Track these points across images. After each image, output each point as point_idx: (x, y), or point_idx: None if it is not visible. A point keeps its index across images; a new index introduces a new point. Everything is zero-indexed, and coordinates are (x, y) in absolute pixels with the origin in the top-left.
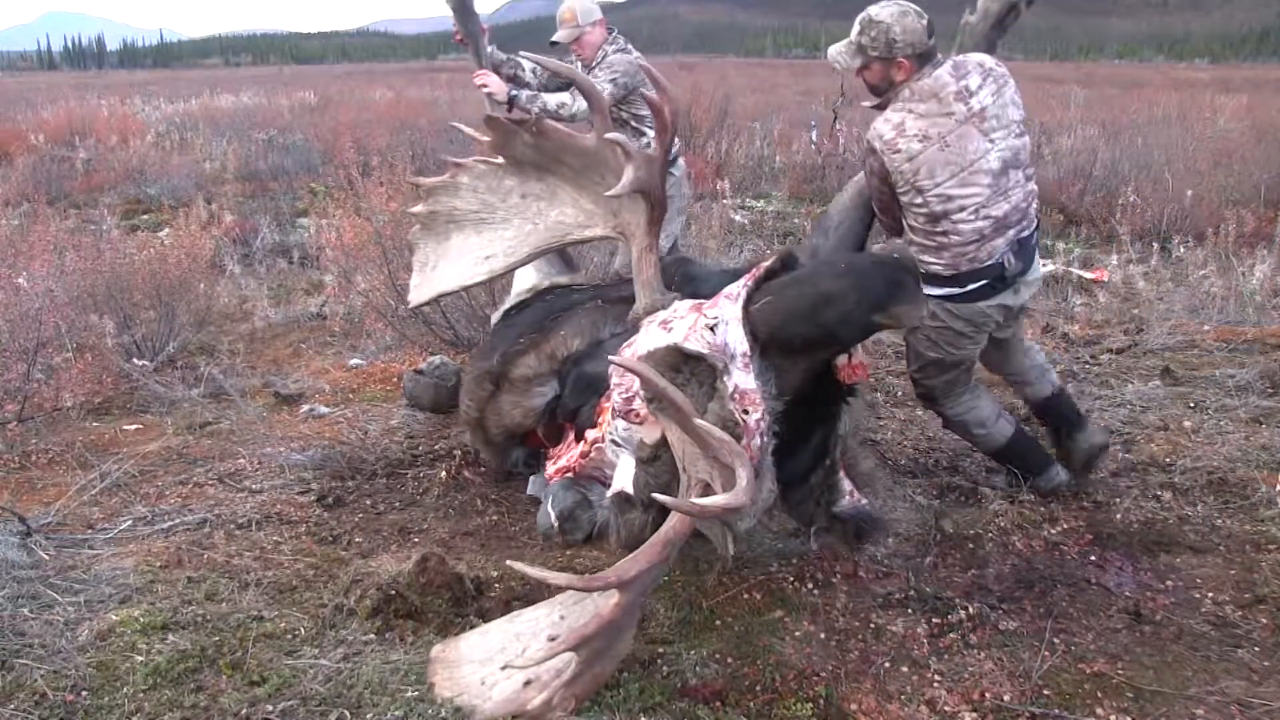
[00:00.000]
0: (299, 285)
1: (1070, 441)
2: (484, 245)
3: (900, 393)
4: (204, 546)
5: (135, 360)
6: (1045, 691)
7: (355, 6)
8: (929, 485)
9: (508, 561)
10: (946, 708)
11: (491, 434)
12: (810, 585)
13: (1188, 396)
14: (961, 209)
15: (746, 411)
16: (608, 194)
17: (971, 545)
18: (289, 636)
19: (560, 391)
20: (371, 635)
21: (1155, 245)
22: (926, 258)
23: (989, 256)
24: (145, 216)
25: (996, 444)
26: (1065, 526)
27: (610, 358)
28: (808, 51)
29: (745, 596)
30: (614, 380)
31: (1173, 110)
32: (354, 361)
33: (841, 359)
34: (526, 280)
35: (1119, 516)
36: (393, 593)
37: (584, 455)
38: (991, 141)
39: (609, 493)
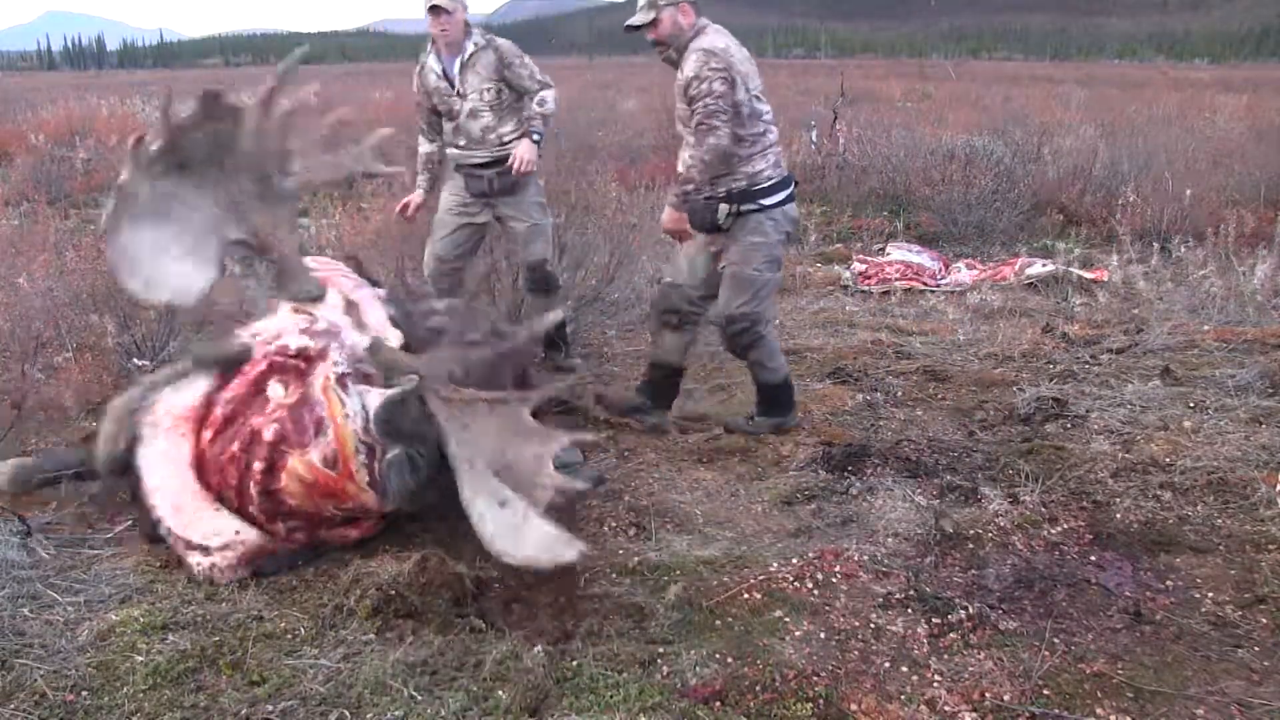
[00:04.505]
0: None
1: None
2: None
3: (900, 393)
4: None
5: (135, 360)
6: (1045, 691)
7: (355, 6)
8: (929, 485)
9: None
10: (946, 708)
11: None
12: (810, 585)
13: (1188, 396)
14: (768, 113)
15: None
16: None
17: (971, 545)
18: (289, 636)
19: None
20: (371, 635)
21: (1155, 245)
22: (759, 165)
23: (785, 167)
24: None
25: (780, 378)
26: (1065, 526)
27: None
28: (808, 51)
29: (745, 596)
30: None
31: (1173, 110)
32: None
33: None
34: None
35: (1119, 516)
36: (393, 593)
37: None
38: None
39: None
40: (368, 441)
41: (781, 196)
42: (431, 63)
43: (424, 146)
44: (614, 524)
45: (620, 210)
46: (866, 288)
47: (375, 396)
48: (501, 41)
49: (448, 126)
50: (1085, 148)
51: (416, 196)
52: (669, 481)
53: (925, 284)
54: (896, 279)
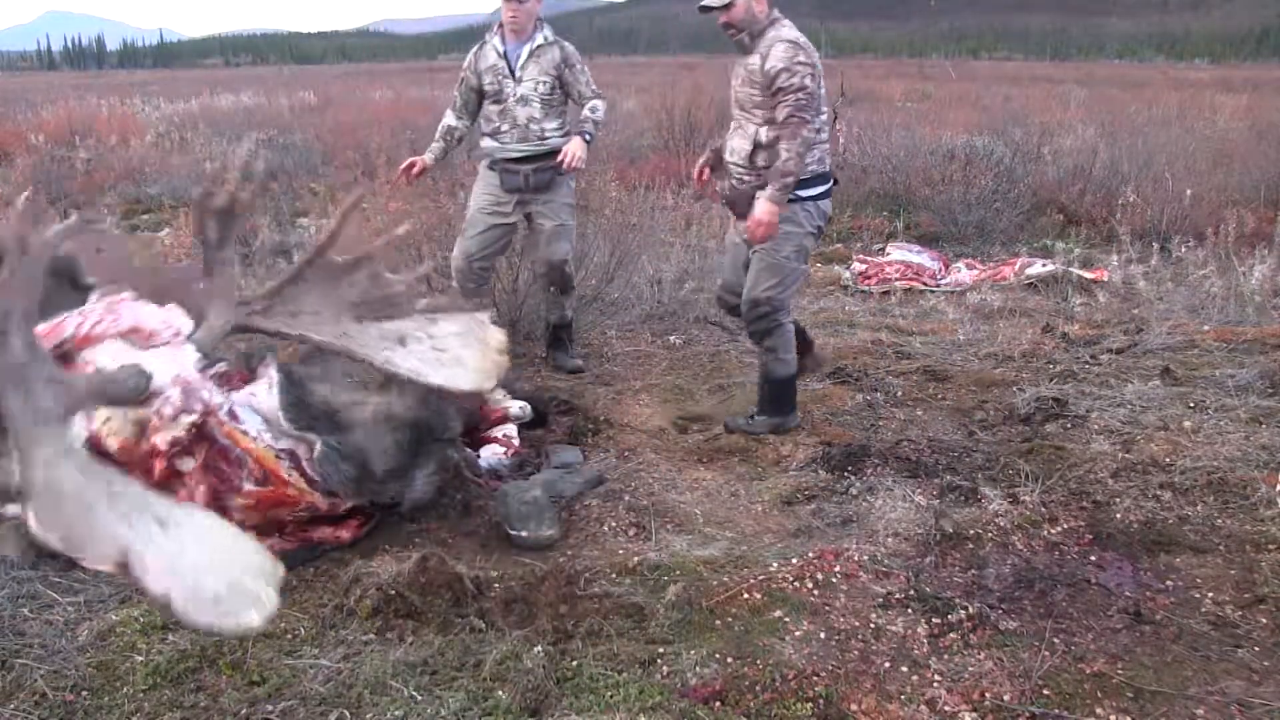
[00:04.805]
0: None
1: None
2: None
3: (900, 393)
4: None
5: None
6: (1045, 691)
7: (355, 6)
8: (929, 485)
9: None
10: (946, 708)
11: None
12: (810, 585)
13: (1188, 396)
14: (825, 108)
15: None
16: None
17: (971, 545)
18: (289, 636)
19: None
20: (371, 635)
21: (1155, 245)
22: (809, 158)
23: (829, 163)
24: (145, 216)
25: (788, 372)
26: (1065, 526)
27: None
28: None
29: (745, 596)
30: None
31: (1173, 110)
32: None
33: None
34: None
35: (1119, 516)
36: (393, 593)
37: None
38: None
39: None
40: (286, 448)
41: (819, 190)
42: (495, 43)
43: (449, 119)
44: (614, 524)
45: (620, 210)
46: (866, 288)
47: (262, 397)
48: (568, 44)
49: (491, 109)
50: (1085, 148)
51: (425, 159)
52: (669, 481)
53: (925, 284)
54: (896, 279)
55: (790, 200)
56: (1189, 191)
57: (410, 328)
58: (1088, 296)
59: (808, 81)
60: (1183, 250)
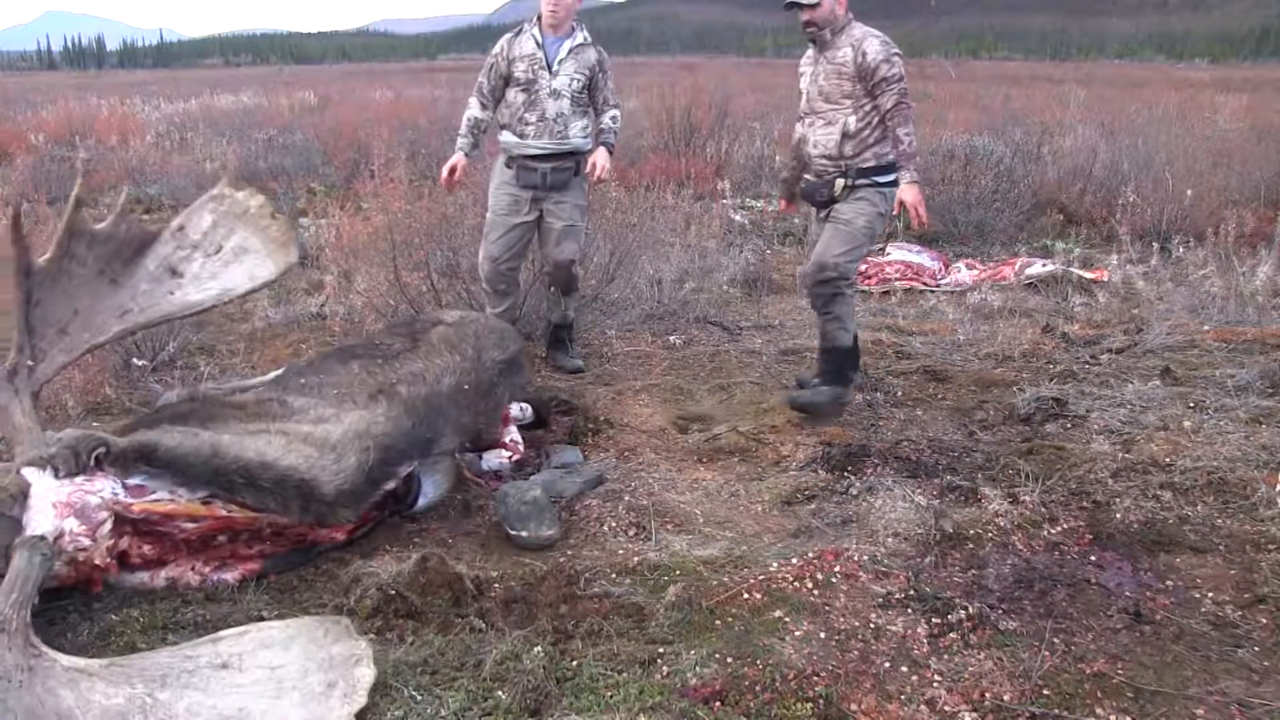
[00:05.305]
0: (299, 285)
1: None
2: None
3: (900, 393)
4: None
5: (135, 360)
6: (1045, 691)
7: (355, 6)
8: (929, 485)
9: None
10: (946, 708)
11: None
12: (810, 585)
13: (1188, 396)
14: None
15: None
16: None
17: (971, 545)
18: None
19: None
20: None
21: (1155, 245)
22: (885, 147)
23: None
24: (145, 216)
25: (850, 340)
26: (1065, 526)
27: None
28: None
29: (745, 596)
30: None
31: (1173, 110)
32: None
33: None
34: None
35: (1119, 516)
36: (393, 593)
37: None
38: None
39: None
40: (200, 495)
41: (893, 177)
42: (535, 33)
43: (475, 110)
44: (614, 524)
45: (620, 210)
46: (866, 288)
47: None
48: (602, 49)
49: (517, 100)
50: (1085, 148)
51: (459, 159)
52: (669, 481)
53: (925, 284)
54: (896, 279)
55: (867, 185)
56: (1189, 191)
57: (168, 252)
58: (1088, 296)
59: (902, 71)
60: (1183, 250)
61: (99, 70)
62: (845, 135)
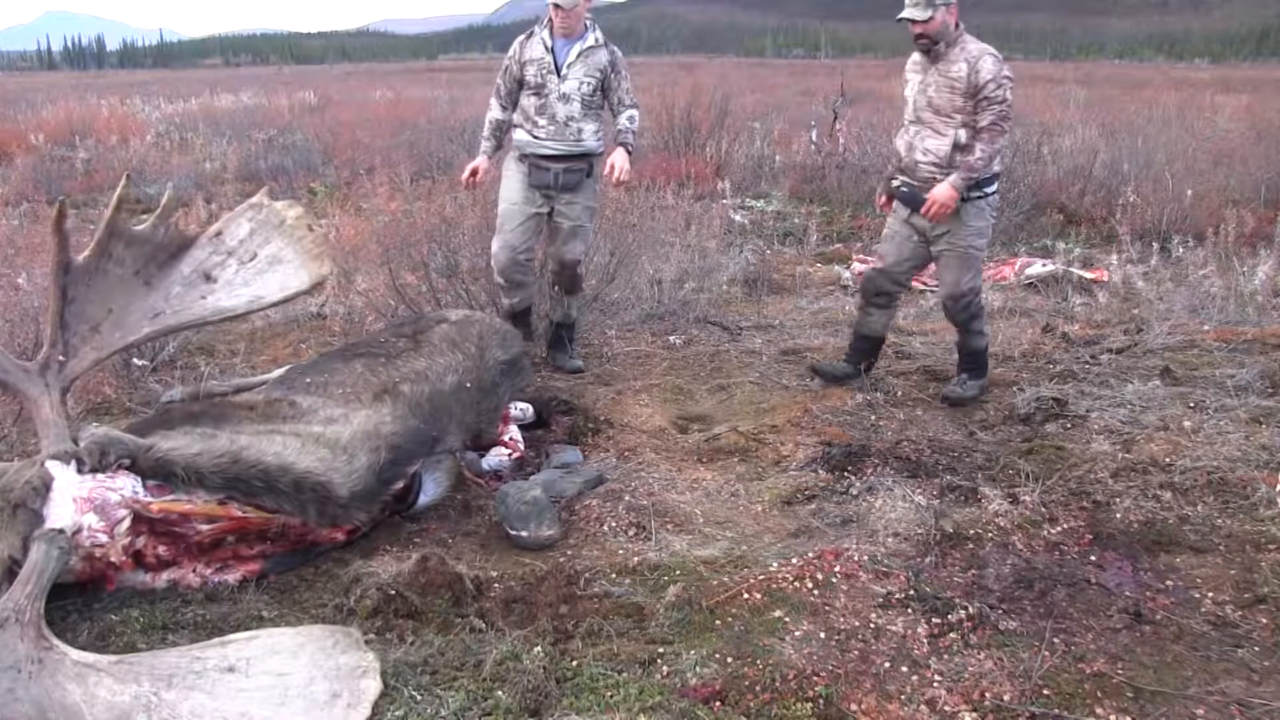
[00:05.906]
0: None
1: None
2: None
3: (900, 393)
4: None
5: (135, 360)
6: (1045, 691)
7: (355, 6)
8: (929, 485)
9: None
10: (946, 708)
11: None
12: (810, 585)
13: (1188, 396)
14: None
15: None
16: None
17: (971, 545)
18: None
19: None
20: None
21: (1155, 245)
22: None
23: None
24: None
25: (987, 341)
26: (1065, 526)
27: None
28: (808, 51)
29: (745, 596)
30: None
31: (1173, 110)
32: None
33: None
34: None
35: (1119, 516)
36: (393, 593)
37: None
38: None
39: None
40: (217, 498)
41: (996, 185)
42: (544, 36)
43: (495, 112)
44: (614, 524)
45: (620, 210)
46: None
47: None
48: (616, 48)
49: (529, 103)
50: (1085, 148)
51: (482, 161)
52: (669, 481)
53: (925, 284)
54: None
55: (978, 197)
56: (1189, 191)
57: (203, 257)
58: (1088, 296)
59: (1009, 94)
60: (1182, 250)
61: (99, 70)
62: (956, 146)
